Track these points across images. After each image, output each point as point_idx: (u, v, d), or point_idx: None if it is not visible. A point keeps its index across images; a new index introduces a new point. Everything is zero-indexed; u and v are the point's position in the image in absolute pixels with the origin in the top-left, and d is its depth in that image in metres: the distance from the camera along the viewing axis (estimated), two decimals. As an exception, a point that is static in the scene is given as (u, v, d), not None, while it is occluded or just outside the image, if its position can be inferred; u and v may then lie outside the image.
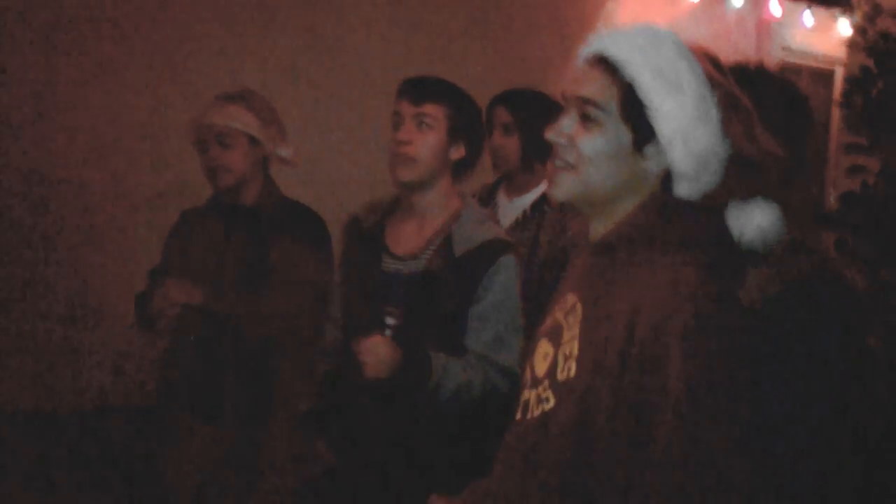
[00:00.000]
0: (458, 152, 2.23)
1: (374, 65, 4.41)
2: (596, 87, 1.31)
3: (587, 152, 1.31)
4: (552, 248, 2.84)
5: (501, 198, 3.06)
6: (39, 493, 3.24)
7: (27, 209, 3.50)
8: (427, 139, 2.18)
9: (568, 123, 1.34)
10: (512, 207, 2.99)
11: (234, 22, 3.97)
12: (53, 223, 3.55)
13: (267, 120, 2.69)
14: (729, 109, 1.31)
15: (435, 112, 2.18)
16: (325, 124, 4.28)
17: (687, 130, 1.28)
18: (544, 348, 1.40)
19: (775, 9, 6.16)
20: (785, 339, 1.45)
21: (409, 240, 2.25)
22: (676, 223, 1.31)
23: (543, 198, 2.92)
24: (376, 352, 2.03)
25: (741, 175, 1.34)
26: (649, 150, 1.30)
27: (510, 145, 2.89)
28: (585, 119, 1.32)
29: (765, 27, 6.23)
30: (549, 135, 1.35)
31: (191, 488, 2.61)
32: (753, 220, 1.35)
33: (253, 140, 2.65)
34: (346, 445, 2.27)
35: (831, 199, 5.92)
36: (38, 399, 3.52)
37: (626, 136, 1.30)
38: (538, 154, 2.82)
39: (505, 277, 2.15)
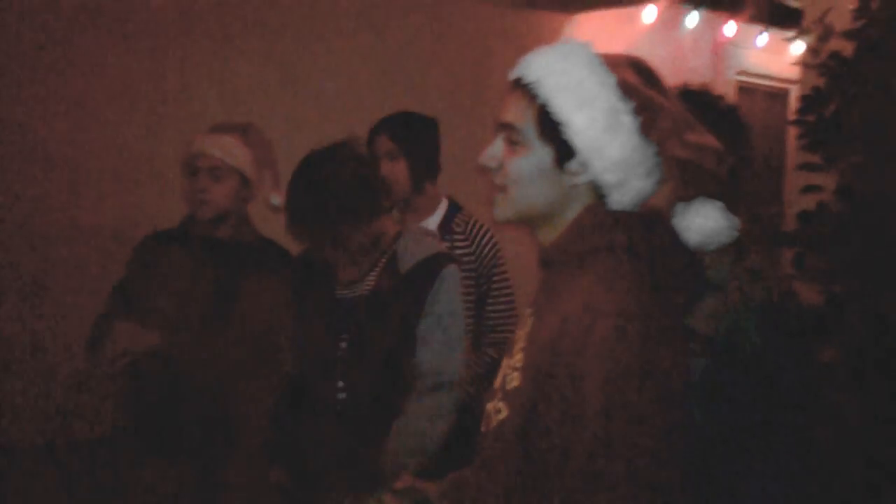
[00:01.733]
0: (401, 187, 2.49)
1: (331, 90, 4.41)
2: (515, 111, 1.38)
3: (514, 174, 1.38)
4: (477, 264, 2.88)
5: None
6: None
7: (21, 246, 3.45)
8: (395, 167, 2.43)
9: (496, 148, 1.41)
10: None
11: (194, 51, 3.94)
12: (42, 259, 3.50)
13: (262, 161, 2.65)
14: (649, 115, 1.34)
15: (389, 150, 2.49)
16: (284, 151, 4.24)
17: (599, 142, 1.32)
18: (504, 361, 1.46)
19: (730, 30, 6.26)
20: (734, 362, 1.46)
21: (355, 266, 2.33)
22: (606, 233, 1.34)
23: (448, 217, 2.95)
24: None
25: (682, 177, 1.37)
26: (572, 165, 1.35)
27: (398, 171, 2.86)
28: (510, 142, 1.39)
29: (719, 49, 6.33)
30: (481, 160, 1.42)
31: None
32: (695, 220, 1.39)
33: (244, 179, 2.61)
34: (301, 471, 2.33)
35: (787, 218, 6.00)
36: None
37: (547, 154, 1.36)
38: (427, 174, 2.91)
39: (448, 288, 2.25)
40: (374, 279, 2.29)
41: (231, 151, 2.58)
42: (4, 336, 3.46)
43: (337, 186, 2.20)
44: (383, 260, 2.31)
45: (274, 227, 2.83)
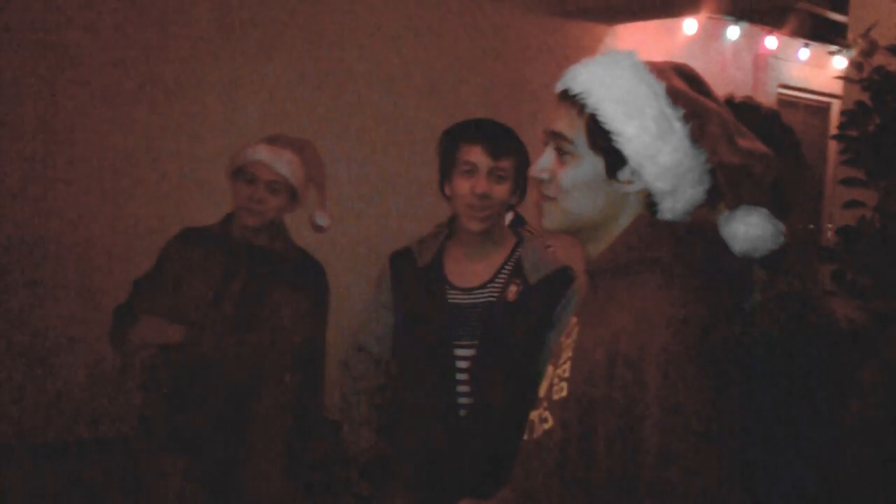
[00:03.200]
0: (516, 198, 2.32)
1: (371, 98, 4.44)
2: (565, 122, 1.38)
3: (565, 184, 1.37)
4: None
5: None
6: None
7: (15, 243, 3.49)
8: (501, 191, 2.25)
9: (547, 159, 1.41)
10: None
11: (231, 58, 3.99)
12: (44, 256, 3.54)
13: (313, 178, 2.67)
14: (698, 121, 1.34)
15: (508, 166, 2.25)
16: (324, 157, 4.28)
17: (651, 149, 1.32)
18: (549, 370, 1.45)
19: (771, 44, 6.22)
20: (772, 374, 1.46)
21: (474, 273, 2.31)
22: (657, 244, 1.34)
23: (518, 221, 2.94)
24: None
25: (730, 184, 1.36)
26: (623, 174, 1.35)
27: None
28: (560, 153, 1.38)
29: (761, 61, 6.29)
30: (532, 171, 1.43)
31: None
32: (740, 228, 1.38)
33: (294, 194, 2.64)
34: (420, 486, 2.29)
35: (828, 233, 5.94)
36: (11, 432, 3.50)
37: (598, 164, 1.35)
38: None
39: (575, 304, 2.22)
40: (501, 286, 2.27)
41: (292, 168, 2.61)
42: (30, 333, 3.52)
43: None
44: (509, 267, 2.30)
45: (310, 237, 2.87)
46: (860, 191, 3.20)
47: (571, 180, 1.37)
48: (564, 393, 1.34)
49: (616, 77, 1.35)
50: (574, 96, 1.36)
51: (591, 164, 1.36)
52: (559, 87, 1.40)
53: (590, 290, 1.43)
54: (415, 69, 4.60)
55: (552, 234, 1.54)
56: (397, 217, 4.43)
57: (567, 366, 1.36)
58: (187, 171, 3.75)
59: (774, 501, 1.48)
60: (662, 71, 1.37)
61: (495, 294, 2.26)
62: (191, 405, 2.55)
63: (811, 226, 6.73)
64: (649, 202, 1.37)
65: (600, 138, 1.34)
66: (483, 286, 2.29)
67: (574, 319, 1.45)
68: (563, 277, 2.27)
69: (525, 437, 1.45)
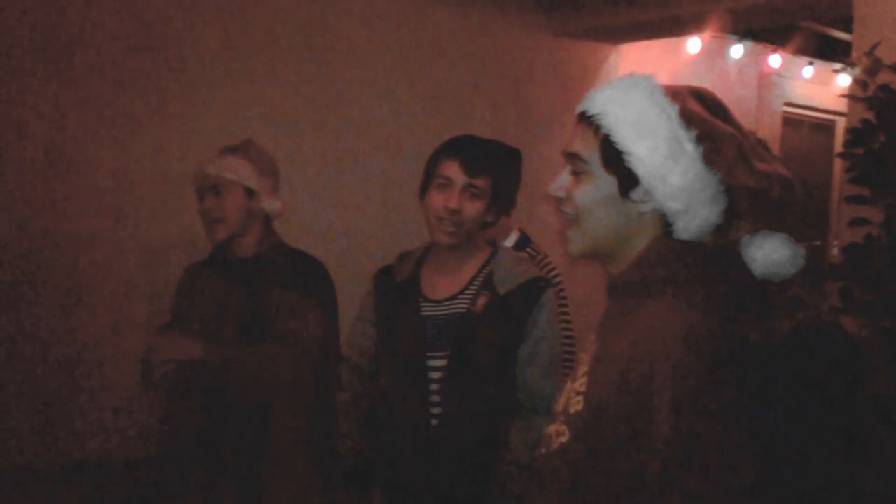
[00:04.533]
0: (492, 215, 2.35)
1: (377, 116, 4.47)
2: (580, 142, 1.42)
3: (580, 203, 1.42)
4: None
5: None
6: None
7: (24, 260, 3.50)
8: (474, 208, 2.28)
9: (563, 178, 1.46)
10: None
11: (239, 75, 4.01)
12: (50, 273, 3.55)
13: (264, 171, 2.70)
14: (712, 143, 1.36)
15: (484, 184, 2.28)
16: (328, 175, 4.32)
17: (662, 170, 1.35)
18: (567, 384, 1.48)
19: (775, 62, 6.24)
20: (780, 387, 1.46)
21: (445, 286, 2.35)
22: (674, 264, 1.37)
23: (517, 248, 2.96)
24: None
25: (748, 206, 1.38)
26: (636, 193, 1.38)
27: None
28: (576, 173, 1.43)
29: (766, 79, 6.31)
30: (549, 190, 1.47)
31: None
32: (758, 253, 1.39)
33: (248, 191, 2.67)
34: (396, 492, 2.34)
35: (834, 251, 5.94)
36: (38, 453, 3.49)
37: (611, 184, 1.40)
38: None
39: (547, 314, 2.26)
40: (470, 297, 2.30)
41: (229, 167, 2.65)
42: (51, 353, 3.53)
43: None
44: (480, 279, 2.32)
45: (308, 244, 2.89)
46: (866, 208, 3.20)
47: (587, 199, 1.42)
48: (580, 407, 1.36)
49: (631, 99, 1.39)
50: (590, 117, 1.41)
51: (605, 183, 1.40)
52: (578, 110, 1.45)
53: (609, 307, 1.46)
54: (420, 89, 4.62)
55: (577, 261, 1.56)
56: (403, 235, 4.43)
57: (584, 380, 1.39)
58: (187, 190, 3.76)
59: None
60: (678, 94, 1.41)
61: (464, 305, 2.30)
62: (212, 420, 2.58)
63: (817, 242, 6.73)
64: (665, 222, 1.40)
65: (613, 158, 1.38)
66: (453, 297, 2.32)
67: (593, 336, 1.48)
68: (533, 288, 2.27)
69: (542, 450, 1.48)
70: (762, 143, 1.67)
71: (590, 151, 1.41)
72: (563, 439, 1.39)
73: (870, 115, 3.20)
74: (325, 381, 2.68)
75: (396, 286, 2.41)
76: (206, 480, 2.59)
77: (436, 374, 2.27)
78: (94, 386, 3.60)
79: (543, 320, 2.25)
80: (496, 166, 2.32)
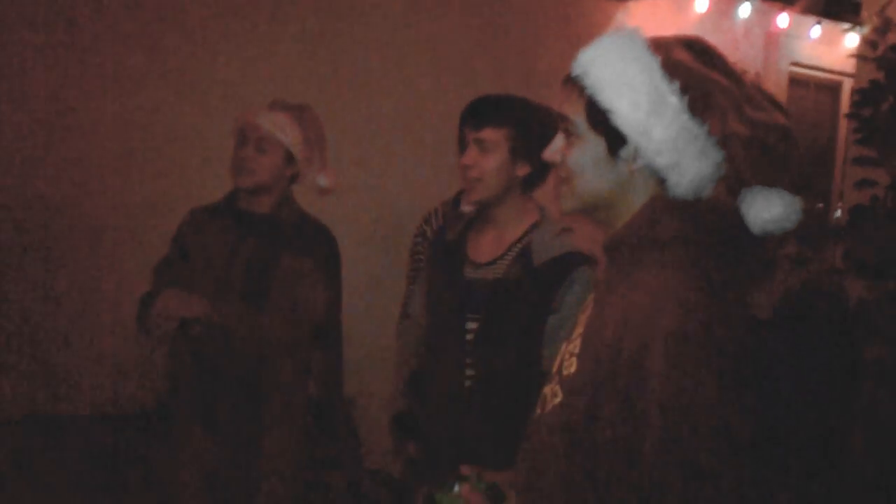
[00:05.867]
0: (523, 169, 2.31)
1: (381, 75, 4.43)
2: (569, 105, 1.42)
3: (572, 166, 1.42)
4: None
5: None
6: (40, 498, 3.23)
7: (26, 218, 3.50)
8: (488, 162, 2.27)
9: (558, 142, 1.45)
10: None
11: (242, 34, 3.98)
12: (52, 231, 3.55)
13: (311, 141, 2.67)
14: (698, 93, 1.34)
15: (494, 136, 2.27)
16: (333, 134, 4.27)
17: (646, 125, 1.33)
18: (563, 346, 1.48)
19: (783, 21, 6.17)
20: (779, 348, 1.46)
21: (488, 248, 2.35)
22: (670, 223, 1.36)
23: None
24: None
25: (743, 157, 1.35)
26: (624, 152, 1.37)
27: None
28: (567, 135, 1.43)
29: (772, 39, 6.24)
30: (546, 155, 1.47)
31: (191, 494, 2.61)
32: (752, 209, 1.37)
33: (289, 155, 2.64)
34: (428, 448, 2.38)
35: (838, 212, 5.92)
36: (39, 404, 3.51)
37: (599, 144, 1.39)
38: None
39: (579, 289, 2.20)
40: (506, 265, 2.29)
41: (281, 126, 2.62)
42: (55, 311, 3.54)
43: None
44: (519, 246, 2.30)
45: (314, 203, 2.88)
46: (873, 170, 3.18)
47: (577, 161, 1.41)
48: (574, 369, 1.37)
49: (611, 56, 1.37)
50: (574, 79, 1.40)
51: (594, 144, 1.39)
52: (567, 73, 1.43)
53: (605, 267, 1.45)
54: (425, 45, 4.57)
55: (572, 218, 1.55)
56: (405, 192, 4.43)
57: (578, 342, 1.39)
58: (196, 145, 3.75)
59: (780, 483, 1.48)
60: (661, 45, 1.38)
61: (500, 271, 2.29)
62: (210, 377, 2.58)
63: (820, 204, 6.71)
64: (659, 180, 1.38)
65: (598, 118, 1.37)
66: (493, 262, 2.32)
67: (590, 296, 1.48)
68: (568, 261, 2.25)
69: (537, 411, 1.48)
70: (763, 93, 1.64)
71: (577, 113, 1.40)
72: (557, 400, 1.39)
73: (878, 76, 3.17)
74: (329, 343, 2.70)
75: (446, 246, 2.43)
76: (202, 436, 2.60)
77: (469, 336, 2.28)
78: (94, 340, 3.62)
79: (573, 296, 2.20)
80: (505, 116, 2.29)
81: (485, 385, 2.26)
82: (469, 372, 2.27)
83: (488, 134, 2.26)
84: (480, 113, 2.30)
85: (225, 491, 2.59)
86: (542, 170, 2.31)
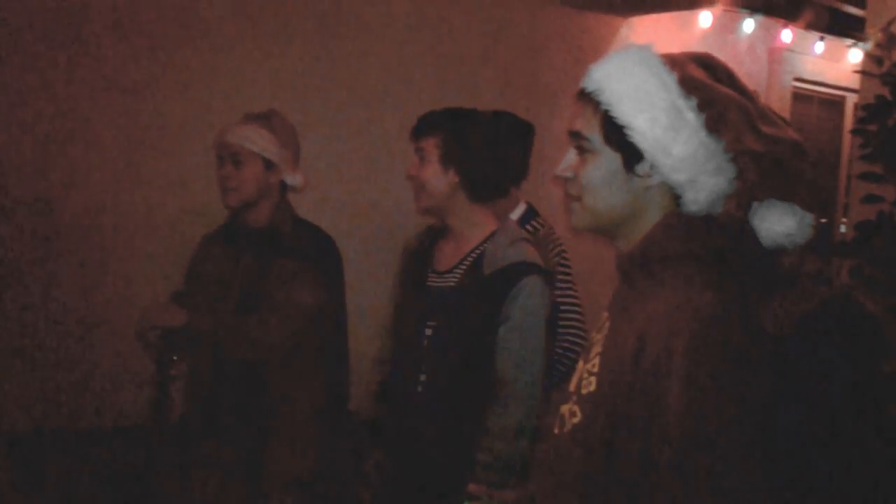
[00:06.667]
0: (453, 177, 2.35)
1: (386, 88, 4.43)
2: (582, 120, 1.40)
3: (586, 182, 1.40)
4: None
5: None
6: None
7: (37, 229, 3.49)
8: (425, 171, 2.37)
9: (570, 158, 1.44)
10: None
11: (248, 43, 3.98)
12: (63, 242, 3.54)
13: (285, 143, 2.68)
14: (715, 110, 1.33)
15: (427, 145, 2.38)
16: (337, 146, 4.29)
17: (663, 141, 1.32)
18: (580, 364, 1.46)
19: (786, 37, 6.18)
20: (801, 364, 1.44)
21: (448, 258, 2.39)
22: (686, 239, 1.34)
23: (522, 221, 2.93)
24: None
25: (758, 172, 1.35)
26: (640, 168, 1.36)
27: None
28: (581, 151, 1.41)
29: (776, 55, 6.25)
30: (557, 171, 1.45)
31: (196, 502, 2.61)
32: (763, 224, 1.37)
33: (268, 162, 2.65)
34: (399, 453, 2.39)
35: (842, 227, 5.92)
36: (47, 418, 3.50)
37: (616, 159, 1.37)
38: (512, 178, 2.94)
39: (525, 299, 2.22)
40: (460, 274, 2.32)
41: (250, 137, 2.63)
42: (63, 321, 3.53)
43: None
44: (473, 256, 2.33)
45: (317, 214, 2.87)
46: (879, 186, 3.18)
47: (592, 178, 1.39)
48: (593, 388, 1.35)
49: (627, 72, 1.36)
50: (589, 94, 1.38)
51: (609, 160, 1.37)
52: (579, 87, 1.42)
53: (620, 285, 1.44)
54: (429, 59, 4.58)
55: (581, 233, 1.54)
56: (409, 206, 4.41)
57: (597, 360, 1.38)
58: (199, 159, 3.74)
59: (799, 495, 1.47)
60: (677, 62, 1.37)
61: (454, 280, 2.33)
62: (212, 386, 2.60)
63: (824, 219, 6.70)
64: (674, 196, 1.37)
65: (615, 134, 1.35)
66: (450, 271, 2.36)
67: (605, 315, 1.46)
68: (516, 271, 2.25)
69: (555, 430, 1.46)
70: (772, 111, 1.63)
71: (592, 128, 1.39)
72: (576, 420, 1.38)
73: (883, 91, 3.17)
74: (333, 350, 2.69)
75: (415, 255, 2.49)
76: (209, 445, 2.61)
77: (424, 343, 2.32)
78: (107, 353, 3.60)
79: (518, 307, 2.22)
80: (435, 125, 2.37)
81: (434, 392, 2.29)
82: (422, 377, 2.30)
83: (423, 143, 2.37)
84: (418, 124, 2.41)
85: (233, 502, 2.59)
86: (477, 177, 2.34)
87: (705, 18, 5.61)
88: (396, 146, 4.46)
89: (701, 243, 1.34)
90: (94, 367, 3.59)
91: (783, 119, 1.45)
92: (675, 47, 1.49)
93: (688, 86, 1.34)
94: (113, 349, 3.58)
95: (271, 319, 2.55)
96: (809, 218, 1.39)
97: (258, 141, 2.63)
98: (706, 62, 1.41)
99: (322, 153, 4.18)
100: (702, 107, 1.33)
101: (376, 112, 4.41)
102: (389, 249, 4.28)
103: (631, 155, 1.35)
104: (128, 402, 3.61)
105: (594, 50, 5.24)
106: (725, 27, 5.85)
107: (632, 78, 1.35)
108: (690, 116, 1.32)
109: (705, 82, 1.36)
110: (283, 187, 2.73)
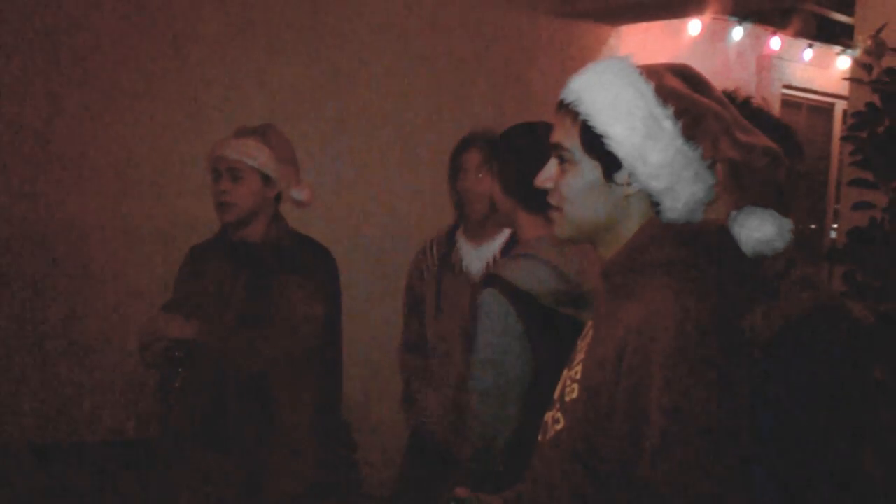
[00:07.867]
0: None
1: (379, 97, 4.43)
2: (562, 131, 1.42)
3: (566, 193, 1.42)
4: None
5: (463, 244, 3.02)
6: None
7: (27, 242, 3.47)
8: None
9: (550, 169, 1.45)
10: (478, 254, 2.96)
11: (238, 55, 3.97)
12: (53, 256, 3.53)
13: (283, 158, 2.67)
14: (691, 118, 1.35)
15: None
16: (330, 155, 4.28)
17: (642, 150, 1.34)
18: (564, 372, 1.48)
19: (775, 44, 6.22)
20: (782, 371, 1.45)
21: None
22: (666, 246, 1.36)
23: (513, 239, 2.93)
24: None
25: (734, 180, 1.37)
26: (619, 176, 1.37)
27: (482, 187, 2.82)
28: (561, 161, 1.43)
29: (765, 62, 6.29)
30: (537, 182, 1.47)
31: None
32: (742, 231, 1.39)
33: (265, 177, 2.64)
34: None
35: (832, 233, 5.93)
36: (42, 433, 3.48)
37: (595, 169, 1.39)
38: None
39: (478, 311, 2.16)
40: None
41: (248, 152, 2.62)
42: (56, 336, 3.51)
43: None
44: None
45: (310, 224, 2.87)
46: (870, 192, 3.19)
47: (572, 187, 1.41)
48: (576, 395, 1.37)
49: (605, 82, 1.38)
50: (568, 105, 1.40)
51: (588, 169, 1.39)
52: (559, 99, 1.44)
53: (603, 293, 1.45)
54: (419, 69, 4.58)
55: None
56: (403, 216, 4.42)
57: (579, 368, 1.40)
58: (189, 171, 3.74)
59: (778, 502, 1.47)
60: (653, 72, 1.39)
61: None
62: (215, 401, 2.58)
63: (813, 226, 6.73)
64: (653, 204, 1.39)
65: (594, 143, 1.37)
66: None
67: (588, 323, 1.48)
68: (483, 282, 2.21)
69: (539, 437, 1.48)
70: (768, 115, 1.65)
71: (571, 139, 1.40)
72: (559, 426, 1.39)
73: (873, 98, 3.19)
74: (329, 362, 2.69)
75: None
76: (210, 459, 2.59)
77: None
78: (103, 366, 3.59)
79: (476, 317, 2.16)
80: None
81: None
82: None
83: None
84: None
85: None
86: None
87: (695, 27, 5.63)
88: (390, 156, 4.47)
89: (680, 251, 1.35)
90: (83, 382, 3.57)
91: (780, 124, 1.46)
92: (665, 56, 1.51)
93: (664, 95, 1.36)
94: (101, 362, 3.57)
95: (277, 332, 2.55)
96: (789, 224, 1.41)
97: (257, 156, 2.62)
98: (683, 72, 1.43)
99: (315, 164, 4.18)
100: (678, 115, 1.35)
101: (370, 125, 4.41)
102: (384, 260, 4.30)
103: (610, 164, 1.37)
104: (119, 417, 3.60)
105: (584, 59, 5.25)
106: (715, 35, 5.88)
107: (609, 88, 1.36)
108: (667, 125, 1.34)
109: (682, 91, 1.38)
110: (277, 200, 2.72)
